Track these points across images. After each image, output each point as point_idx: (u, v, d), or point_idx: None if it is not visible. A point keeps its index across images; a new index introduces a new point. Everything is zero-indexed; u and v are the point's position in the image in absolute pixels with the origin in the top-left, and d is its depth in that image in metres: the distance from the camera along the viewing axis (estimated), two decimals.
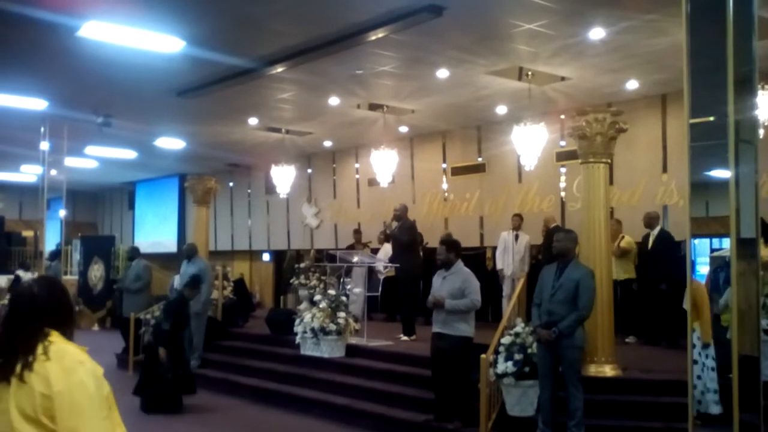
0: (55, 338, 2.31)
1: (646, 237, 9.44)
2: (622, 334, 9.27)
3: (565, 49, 8.29)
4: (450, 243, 7.37)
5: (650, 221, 9.39)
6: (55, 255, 14.79)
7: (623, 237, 9.71)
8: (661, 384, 6.99)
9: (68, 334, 2.37)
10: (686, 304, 5.60)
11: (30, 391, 2.18)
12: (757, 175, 4.54)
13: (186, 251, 11.07)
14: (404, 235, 10.21)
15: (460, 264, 7.15)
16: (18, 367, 2.20)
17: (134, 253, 12.85)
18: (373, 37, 7.81)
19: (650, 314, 9.29)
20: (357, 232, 13.41)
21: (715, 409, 6.14)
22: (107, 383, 2.30)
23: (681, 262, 5.19)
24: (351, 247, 12.53)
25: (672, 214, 9.96)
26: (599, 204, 7.23)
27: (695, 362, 6.29)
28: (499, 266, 11.00)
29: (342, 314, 9.37)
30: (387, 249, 11.65)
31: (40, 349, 2.24)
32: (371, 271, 10.92)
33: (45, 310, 2.35)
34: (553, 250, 6.70)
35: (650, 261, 9.29)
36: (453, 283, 6.99)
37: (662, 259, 9.06)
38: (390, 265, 10.61)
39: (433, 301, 6.99)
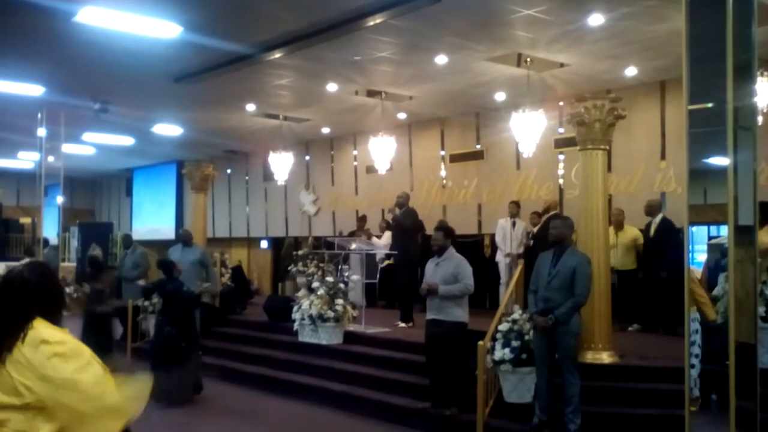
0: (37, 323, 2.30)
1: (648, 225, 9.44)
2: (625, 322, 9.30)
3: (564, 36, 8.25)
4: (447, 229, 7.51)
5: (651, 209, 9.37)
6: (47, 242, 14.81)
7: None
8: (658, 371, 7.02)
9: (57, 318, 2.36)
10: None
11: (8, 377, 2.20)
12: (755, 162, 4.52)
13: (183, 237, 10.90)
14: (407, 220, 10.27)
15: (452, 250, 7.21)
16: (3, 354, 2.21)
17: (128, 240, 12.82)
18: (372, 23, 7.75)
19: (649, 302, 9.29)
20: (361, 219, 13.39)
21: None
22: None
23: (682, 249, 5.19)
24: (354, 234, 12.51)
25: (670, 202, 9.94)
26: (597, 191, 7.22)
27: (699, 347, 6.28)
28: (502, 254, 10.99)
29: (340, 301, 9.38)
30: (388, 237, 11.64)
31: (20, 337, 2.24)
32: (369, 258, 10.91)
33: (36, 296, 2.33)
34: (550, 237, 6.71)
35: (652, 249, 9.26)
36: (446, 269, 7.03)
37: (664, 247, 9.04)
38: (388, 252, 10.61)
39: (427, 287, 7.01)
